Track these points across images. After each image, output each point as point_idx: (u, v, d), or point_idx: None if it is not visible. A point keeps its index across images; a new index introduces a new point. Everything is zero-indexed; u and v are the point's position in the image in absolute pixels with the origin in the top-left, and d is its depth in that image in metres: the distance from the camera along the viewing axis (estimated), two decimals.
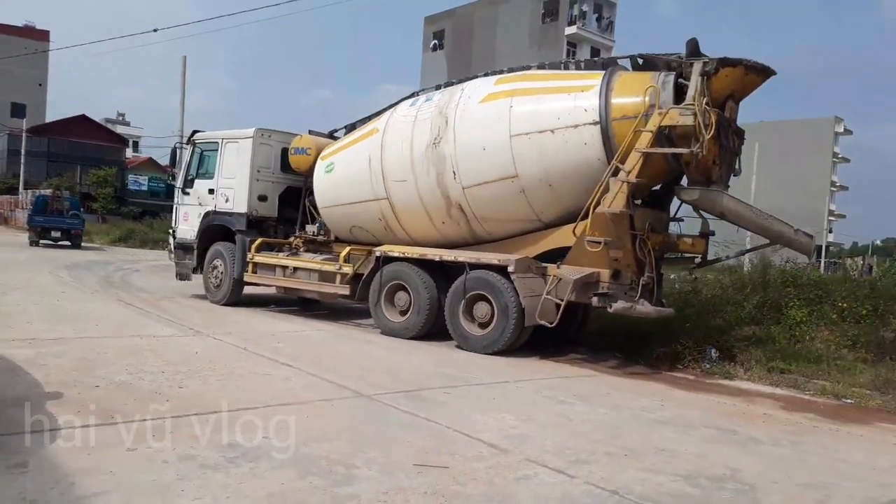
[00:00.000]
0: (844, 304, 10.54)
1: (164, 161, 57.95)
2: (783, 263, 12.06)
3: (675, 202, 8.74)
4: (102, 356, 6.56)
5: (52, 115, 65.23)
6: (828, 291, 11.03)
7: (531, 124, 8.22)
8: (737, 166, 8.55)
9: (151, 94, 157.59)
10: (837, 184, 72.65)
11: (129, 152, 66.90)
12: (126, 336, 7.83)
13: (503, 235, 8.99)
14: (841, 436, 5.86)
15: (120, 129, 74.28)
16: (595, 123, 7.88)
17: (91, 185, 47.38)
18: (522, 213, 8.60)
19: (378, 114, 10.35)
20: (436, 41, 52.83)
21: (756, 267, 12.87)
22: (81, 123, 58.33)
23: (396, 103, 10.15)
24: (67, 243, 24.16)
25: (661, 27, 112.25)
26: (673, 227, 8.95)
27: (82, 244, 25.21)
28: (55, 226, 24.37)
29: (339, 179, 10.27)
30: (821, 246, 10.65)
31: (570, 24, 44.86)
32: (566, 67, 9.13)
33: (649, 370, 8.30)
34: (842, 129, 71.47)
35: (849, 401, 7.30)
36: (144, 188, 55.47)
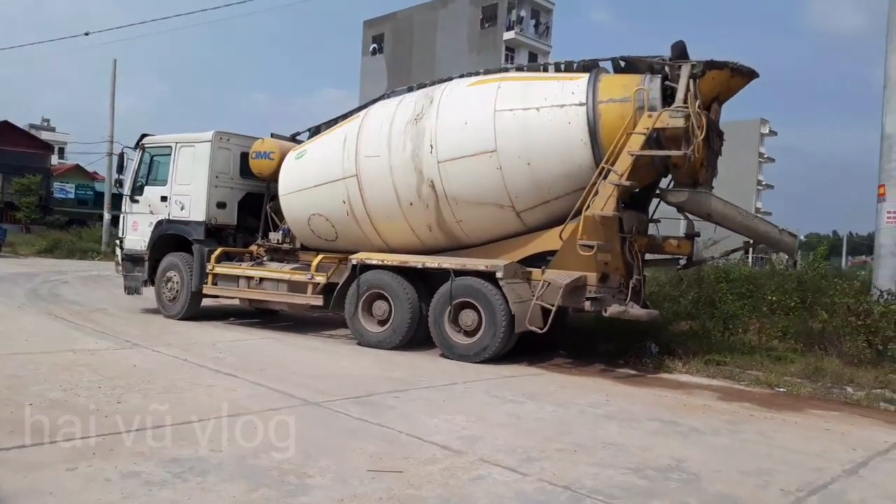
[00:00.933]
0: (774, 298, 11.02)
1: (93, 168, 55.96)
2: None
3: (653, 204, 8.92)
4: (34, 373, 6.28)
5: None
6: (758, 286, 11.52)
7: (517, 102, 8.21)
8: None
9: (78, 98, 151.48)
10: (763, 182, 75.93)
11: (54, 159, 64.11)
12: (58, 351, 7.50)
13: (479, 235, 8.83)
14: (776, 423, 6.11)
15: (45, 136, 70.96)
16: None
17: (14, 195, 45.18)
18: (495, 195, 8.35)
19: (350, 113, 10.18)
20: (375, 45, 52.61)
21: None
22: (4, 130, 55.46)
23: (376, 100, 10.10)
24: None
25: (594, 33, 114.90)
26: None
27: (4, 255, 24.05)
28: None
29: (308, 163, 9.91)
30: (748, 242, 11.15)
31: (508, 29, 45.41)
32: (545, 70, 9.10)
33: (593, 367, 8.47)
34: (767, 131, 74.76)
35: (781, 389, 7.62)
36: (71, 196, 53.35)
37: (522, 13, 46.71)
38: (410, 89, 9.73)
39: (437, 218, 8.88)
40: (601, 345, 9.18)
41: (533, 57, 45.89)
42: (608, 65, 8.57)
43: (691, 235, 8.74)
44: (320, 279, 9.60)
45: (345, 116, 10.31)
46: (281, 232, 10.61)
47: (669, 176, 8.41)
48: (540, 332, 7.96)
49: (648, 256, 9.22)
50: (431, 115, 8.70)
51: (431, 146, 8.59)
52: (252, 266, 10.51)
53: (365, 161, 9.17)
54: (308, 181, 9.84)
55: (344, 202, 9.40)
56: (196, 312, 10.93)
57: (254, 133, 11.22)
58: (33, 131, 69.61)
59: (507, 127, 8.17)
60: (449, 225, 8.90)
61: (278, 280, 10.05)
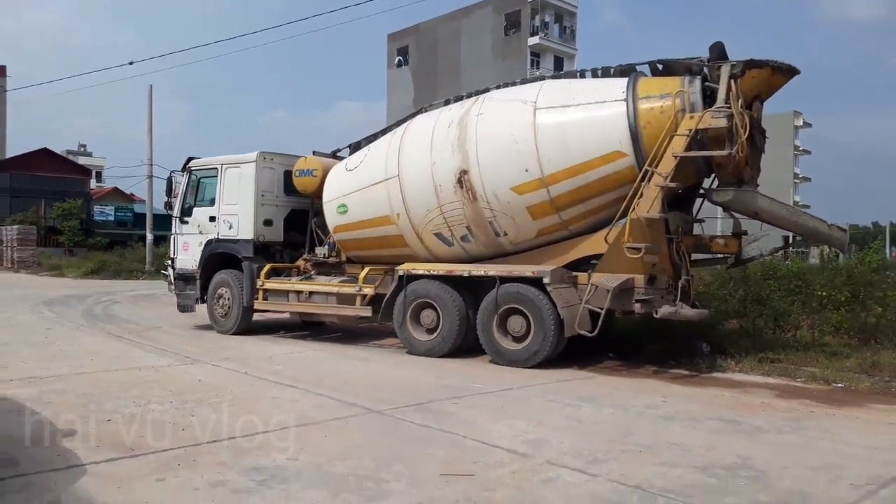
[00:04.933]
0: (823, 293, 10.88)
1: (131, 190, 57.40)
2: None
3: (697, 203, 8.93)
4: (106, 390, 6.52)
5: (11, 150, 63.95)
6: (806, 281, 11.37)
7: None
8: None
9: (110, 123, 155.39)
10: (800, 175, 74.56)
11: (93, 183, 65.85)
12: (124, 368, 7.77)
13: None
14: (838, 419, 6.08)
15: (83, 160, 73.02)
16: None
17: (56, 219, 46.46)
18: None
19: (388, 129, 10.42)
20: (400, 57, 53.12)
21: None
22: (43, 157, 57.25)
23: (416, 113, 10.30)
24: None
25: (610, 35, 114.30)
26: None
27: (52, 276, 24.72)
28: None
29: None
30: (787, 237, 11.05)
31: (533, 34, 45.48)
32: (581, 76, 9.19)
33: (645, 369, 8.47)
34: (801, 123, 73.46)
35: (839, 385, 7.55)
36: (111, 218, 54.68)
37: (546, 18, 46.74)
38: (447, 102, 9.89)
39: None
40: (650, 346, 9.18)
41: (558, 61, 45.94)
42: (645, 69, 8.63)
43: (738, 234, 8.72)
44: (368, 290, 9.76)
45: (384, 131, 10.55)
46: (327, 246, 10.83)
47: (713, 176, 8.41)
48: (589, 335, 7.99)
49: (696, 256, 9.23)
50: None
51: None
52: (301, 280, 10.73)
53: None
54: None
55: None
56: (248, 327, 11.20)
57: (289, 150, 11.67)
58: (71, 157, 71.66)
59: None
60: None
61: (327, 293, 10.25)
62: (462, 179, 8.75)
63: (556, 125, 8.29)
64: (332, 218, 10.29)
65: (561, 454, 4.71)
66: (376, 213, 9.69)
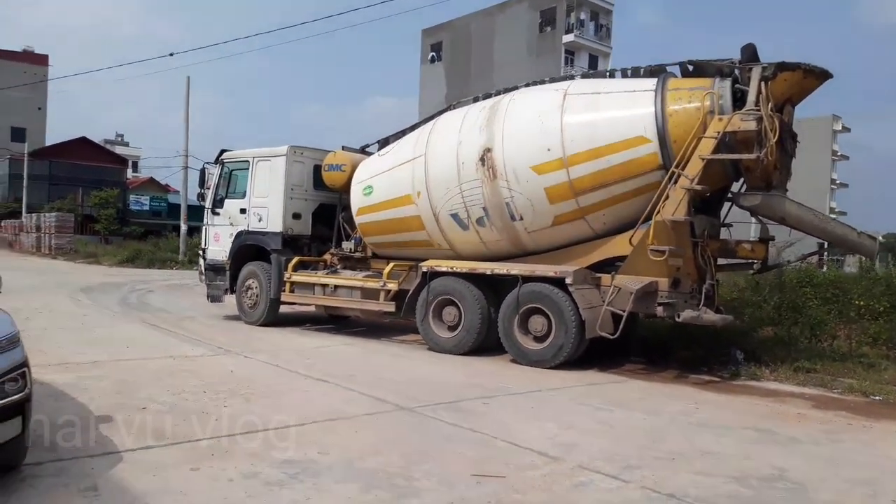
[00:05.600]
0: (861, 302, 10.63)
1: (166, 180, 58.38)
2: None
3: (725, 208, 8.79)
4: (142, 378, 6.64)
5: (51, 139, 65.47)
6: (843, 290, 11.11)
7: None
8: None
9: (146, 114, 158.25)
10: (837, 181, 72.95)
11: (129, 172, 67.12)
12: (159, 357, 7.90)
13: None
14: (876, 432, 5.94)
15: (119, 150, 74.41)
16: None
17: (93, 207, 47.42)
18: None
19: (417, 125, 10.46)
20: (433, 53, 53.06)
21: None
22: (82, 145, 58.55)
23: (444, 111, 10.35)
24: None
25: (646, 34, 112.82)
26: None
27: (89, 263, 25.22)
28: None
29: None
30: (822, 243, 10.85)
31: (568, 32, 45.10)
32: (611, 76, 9.13)
33: (676, 374, 8.37)
34: (839, 127, 71.83)
35: (877, 398, 7.36)
36: (146, 208, 55.65)
37: (582, 15, 46.31)
38: (476, 100, 9.88)
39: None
40: (682, 351, 9.05)
41: (593, 59, 45.49)
42: (676, 69, 8.52)
43: (765, 239, 8.56)
44: (392, 286, 9.82)
45: (413, 127, 10.58)
46: (353, 241, 10.91)
47: (742, 179, 8.28)
48: (611, 338, 7.92)
49: (721, 261, 9.09)
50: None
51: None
52: (327, 274, 10.82)
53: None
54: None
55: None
56: (274, 319, 11.32)
57: (321, 144, 11.72)
58: (108, 146, 73.09)
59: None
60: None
61: (352, 287, 10.34)
62: (485, 157, 8.74)
63: (584, 106, 8.31)
64: (356, 199, 10.36)
65: (592, 458, 4.66)
66: (399, 192, 9.75)
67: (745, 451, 5.12)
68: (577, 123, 8.23)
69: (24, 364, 3.77)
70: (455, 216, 9.20)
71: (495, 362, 8.61)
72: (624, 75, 8.90)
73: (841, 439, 5.66)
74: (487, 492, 3.97)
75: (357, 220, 10.46)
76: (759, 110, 7.44)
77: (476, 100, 9.86)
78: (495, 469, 4.37)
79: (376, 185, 10.12)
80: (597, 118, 8.21)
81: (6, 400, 3.56)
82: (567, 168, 8.20)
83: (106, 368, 7.05)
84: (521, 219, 8.70)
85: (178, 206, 34.77)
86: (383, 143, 10.99)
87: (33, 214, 40.59)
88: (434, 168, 9.32)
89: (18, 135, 62.20)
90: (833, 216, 13.62)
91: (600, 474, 4.36)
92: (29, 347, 4.11)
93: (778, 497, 4.17)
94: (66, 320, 10.84)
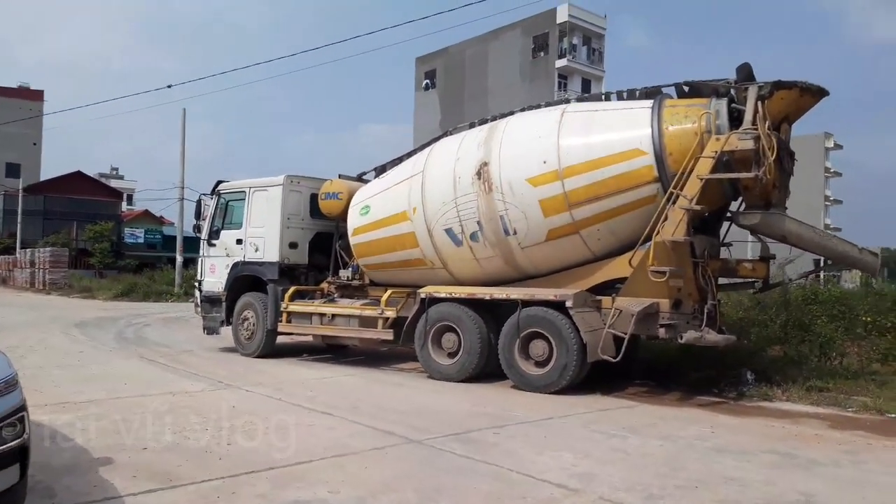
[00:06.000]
0: (868, 318, 10.53)
1: (161, 213, 58.26)
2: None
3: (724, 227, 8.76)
4: (141, 416, 6.44)
5: (46, 173, 65.48)
6: (849, 306, 11.01)
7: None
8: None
9: (142, 147, 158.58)
10: (831, 198, 73.34)
11: (123, 205, 67.00)
12: (157, 393, 7.70)
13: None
14: None
15: (114, 183, 74.43)
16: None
17: (87, 241, 47.22)
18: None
19: (413, 152, 10.47)
20: (427, 80, 53.45)
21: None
22: (76, 180, 58.54)
23: (440, 137, 10.36)
24: None
25: (638, 57, 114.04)
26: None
27: (83, 298, 24.98)
28: None
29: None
30: (819, 260, 10.82)
31: (560, 56, 45.50)
32: (607, 98, 9.14)
33: (681, 396, 8.22)
34: (832, 144, 72.44)
35: (893, 415, 7.24)
36: (141, 241, 55.43)
37: (574, 40, 46.78)
38: (472, 125, 9.88)
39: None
40: (691, 373, 8.90)
41: (586, 83, 45.83)
42: (671, 91, 8.53)
43: (766, 258, 8.53)
44: (390, 313, 9.69)
45: (411, 153, 10.56)
46: (350, 269, 10.77)
47: (740, 198, 8.23)
48: (613, 361, 7.80)
49: (722, 280, 9.01)
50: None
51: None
52: (324, 303, 10.67)
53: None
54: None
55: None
56: (271, 350, 11.14)
57: (316, 172, 11.67)
58: (103, 180, 73.11)
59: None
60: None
61: (349, 316, 10.18)
62: (481, 171, 8.73)
63: (581, 122, 8.39)
64: (353, 220, 10.31)
65: (613, 489, 4.50)
66: (394, 209, 9.72)
67: (768, 476, 4.96)
68: (573, 137, 8.27)
69: (23, 408, 3.61)
70: (449, 231, 9.12)
71: (498, 389, 8.45)
72: (620, 98, 8.91)
73: (863, 460, 5.51)
74: None
75: (352, 241, 10.36)
76: (756, 129, 7.44)
77: (472, 125, 9.88)
78: None
79: (373, 205, 10.11)
80: (593, 133, 8.26)
81: (4, 447, 3.38)
82: (562, 180, 8.16)
83: (104, 407, 6.85)
84: (515, 233, 8.60)
85: (174, 238, 34.64)
86: (380, 170, 10.97)
87: (28, 250, 40.33)
88: (431, 184, 9.31)
89: (13, 170, 62.17)
90: (830, 232, 13.61)
91: None
92: (25, 387, 3.94)
93: None
94: (62, 357, 10.64)
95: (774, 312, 10.78)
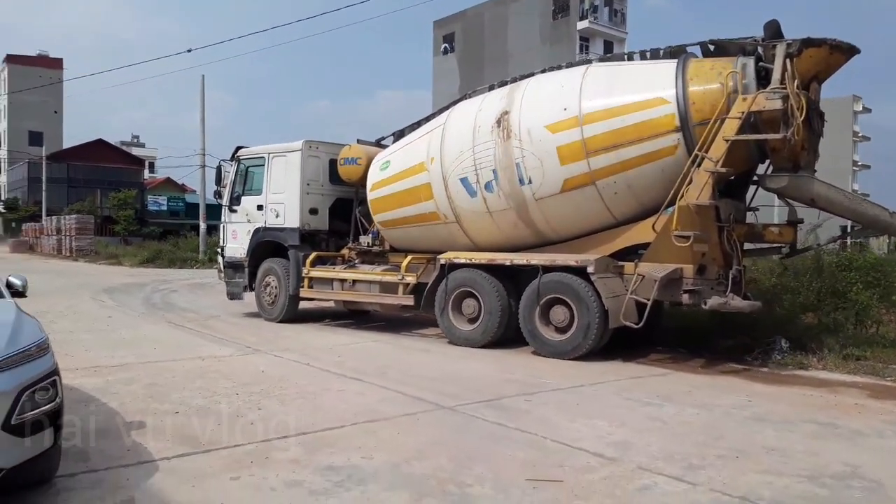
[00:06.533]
0: None
1: (182, 180, 58.61)
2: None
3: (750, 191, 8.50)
4: (171, 380, 6.46)
5: (68, 142, 65.98)
6: (884, 273, 10.72)
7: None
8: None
9: (160, 115, 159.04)
10: (859, 163, 71.72)
11: (146, 173, 67.45)
12: (187, 358, 7.71)
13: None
14: None
15: (135, 151, 74.85)
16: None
17: (112, 209, 47.65)
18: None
19: (433, 115, 10.30)
20: (446, 45, 52.66)
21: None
22: (99, 148, 58.94)
23: (459, 100, 10.18)
24: None
25: (662, 18, 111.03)
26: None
27: (110, 264, 25.25)
28: None
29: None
30: (845, 226, 10.51)
31: (582, 18, 44.52)
32: (629, 58, 8.85)
33: (720, 364, 8.05)
34: (860, 108, 70.56)
35: None
36: (164, 208, 55.88)
37: (596, 1, 45.70)
38: (491, 88, 9.66)
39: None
40: (721, 340, 8.73)
41: (608, 45, 44.89)
42: (696, 50, 8.24)
43: (794, 222, 8.30)
44: (410, 279, 9.64)
45: (430, 116, 10.38)
46: (371, 235, 10.72)
47: (767, 161, 7.99)
48: (635, 327, 7.68)
49: (748, 246, 8.80)
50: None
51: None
52: (345, 269, 10.64)
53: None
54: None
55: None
56: (294, 315, 11.16)
57: (335, 138, 11.59)
58: (125, 147, 73.53)
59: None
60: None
61: (370, 282, 10.16)
62: (501, 119, 8.63)
63: (605, 75, 8.30)
64: (372, 175, 10.25)
65: (652, 458, 4.39)
66: (413, 161, 9.69)
67: (811, 446, 4.83)
68: (596, 87, 8.10)
69: (55, 372, 3.57)
70: (464, 180, 8.98)
71: (523, 356, 8.37)
72: (643, 58, 8.66)
73: None
74: (546, 498, 3.72)
75: (370, 196, 10.29)
76: (784, 88, 7.18)
77: (492, 88, 9.66)
78: (550, 472, 4.11)
79: (394, 160, 10.09)
80: (616, 85, 8.10)
81: (37, 411, 3.35)
82: (581, 126, 7.99)
83: (135, 371, 6.88)
84: (530, 182, 8.42)
85: (196, 205, 34.79)
86: (398, 135, 10.84)
87: (53, 217, 40.81)
88: (450, 135, 9.25)
89: (36, 138, 62.81)
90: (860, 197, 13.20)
91: (663, 476, 4.08)
92: (57, 351, 3.91)
93: (857, 497, 3.88)
94: (92, 322, 10.73)
95: (809, 279, 10.53)
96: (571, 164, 8.09)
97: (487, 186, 8.78)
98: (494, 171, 8.66)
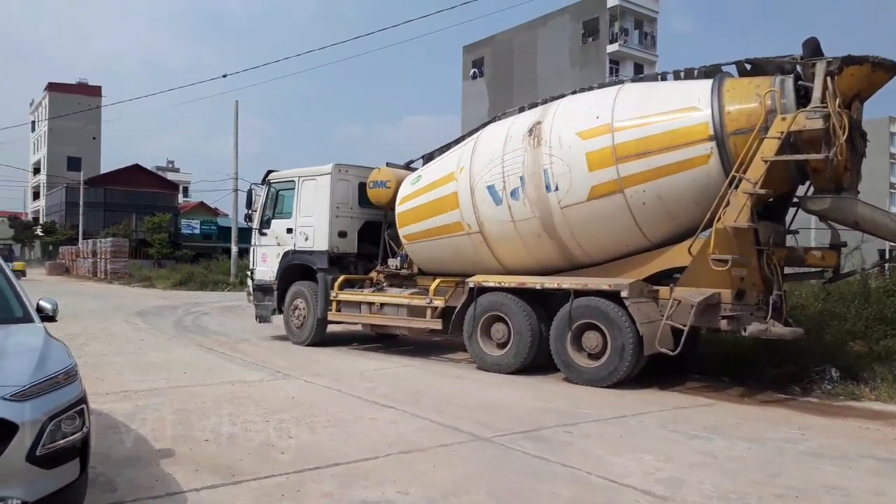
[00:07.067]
0: None
1: (215, 204, 59.50)
2: None
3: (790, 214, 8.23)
4: (201, 406, 6.34)
5: (105, 167, 67.59)
6: None
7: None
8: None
9: (194, 140, 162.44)
10: None
11: (180, 197, 68.69)
12: (217, 383, 7.61)
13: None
14: None
15: (170, 176, 76.38)
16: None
17: (146, 232, 48.51)
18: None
19: (462, 138, 10.27)
20: (475, 69, 52.91)
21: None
22: (135, 172, 60.32)
23: (488, 122, 10.15)
24: None
25: (692, 41, 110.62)
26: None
27: (142, 287, 25.52)
28: None
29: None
30: (884, 251, 10.14)
31: (612, 42, 44.40)
32: (663, 78, 8.67)
33: (763, 394, 7.71)
34: None
35: None
36: (197, 232, 56.78)
37: (626, 24, 45.59)
38: (521, 110, 9.56)
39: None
40: (769, 369, 8.37)
41: (638, 68, 44.62)
42: (732, 69, 8.01)
43: (837, 246, 7.97)
44: (438, 303, 9.50)
45: (457, 141, 10.34)
46: (399, 258, 10.61)
47: (808, 182, 7.70)
48: (672, 354, 7.38)
49: (789, 270, 8.46)
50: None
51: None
52: (373, 292, 10.55)
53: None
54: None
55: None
56: (322, 338, 11.08)
57: (365, 162, 11.56)
58: (160, 172, 75.09)
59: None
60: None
61: (398, 305, 10.04)
62: (533, 128, 8.58)
63: (639, 90, 8.22)
64: (403, 190, 10.26)
65: (706, 497, 4.13)
66: (443, 172, 9.68)
67: (873, 485, 4.51)
68: (630, 99, 8.02)
69: (83, 400, 3.45)
70: (491, 188, 8.88)
71: (559, 382, 8.13)
72: (677, 77, 8.44)
73: None
74: None
75: (398, 210, 10.25)
76: (825, 107, 6.91)
77: (521, 110, 9.58)
78: None
79: (425, 174, 10.15)
80: (650, 98, 7.96)
81: (64, 441, 3.22)
82: (613, 133, 7.84)
83: (164, 396, 6.79)
84: (557, 188, 8.23)
85: (228, 228, 35.14)
86: (428, 157, 10.80)
87: (89, 240, 41.61)
88: (481, 145, 9.29)
89: (74, 164, 64.41)
90: None
91: None
92: (87, 375, 3.83)
93: None
94: (123, 345, 10.73)
95: (857, 305, 10.12)
96: (599, 171, 7.92)
97: (513, 194, 8.66)
98: (521, 178, 8.55)
